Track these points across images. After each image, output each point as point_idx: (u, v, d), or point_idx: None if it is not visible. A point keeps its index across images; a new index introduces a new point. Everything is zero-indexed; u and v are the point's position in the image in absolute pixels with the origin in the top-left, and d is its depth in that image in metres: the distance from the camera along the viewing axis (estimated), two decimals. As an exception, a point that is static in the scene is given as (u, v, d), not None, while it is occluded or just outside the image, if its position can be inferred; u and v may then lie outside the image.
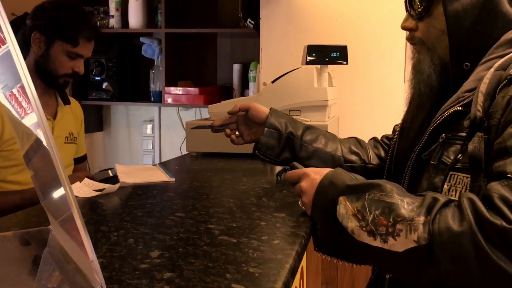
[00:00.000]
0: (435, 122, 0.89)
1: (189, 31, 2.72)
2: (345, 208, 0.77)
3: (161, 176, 1.26)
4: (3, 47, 0.68)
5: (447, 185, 0.84)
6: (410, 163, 0.93)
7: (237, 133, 1.27)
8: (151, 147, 2.98)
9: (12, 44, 0.54)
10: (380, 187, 0.76)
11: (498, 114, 0.77)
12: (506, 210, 0.64)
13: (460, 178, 0.82)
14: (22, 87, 0.69)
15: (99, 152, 3.07)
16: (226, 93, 2.77)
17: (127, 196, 1.06)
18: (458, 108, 0.85)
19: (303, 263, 0.99)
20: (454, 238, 0.66)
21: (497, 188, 0.67)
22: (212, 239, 0.76)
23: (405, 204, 0.72)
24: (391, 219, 0.71)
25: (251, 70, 2.64)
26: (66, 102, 1.75)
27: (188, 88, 2.65)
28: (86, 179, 1.20)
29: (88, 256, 0.55)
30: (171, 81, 2.71)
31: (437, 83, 0.95)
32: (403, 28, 1.00)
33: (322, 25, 2.08)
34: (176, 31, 2.68)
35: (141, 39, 2.74)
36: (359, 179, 0.82)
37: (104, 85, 2.77)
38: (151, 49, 2.71)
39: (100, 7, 2.82)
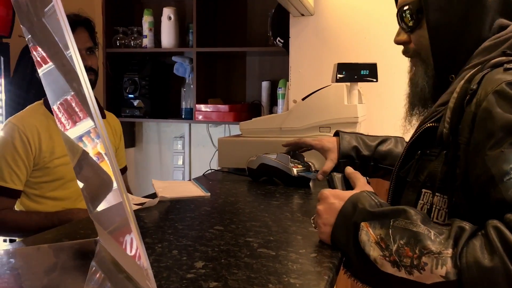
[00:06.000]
0: (411, 139, 0.89)
1: (220, 50, 2.79)
2: (367, 235, 0.74)
3: (196, 191, 1.30)
4: (45, 65, 0.73)
5: (420, 203, 0.83)
6: (392, 180, 0.93)
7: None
8: (181, 163, 3.05)
9: (74, 52, 0.56)
10: (406, 213, 0.72)
11: (466, 131, 0.76)
12: None
13: (436, 197, 0.81)
14: (62, 104, 0.73)
15: (130, 167, 3.15)
16: (255, 110, 2.83)
17: (167, 210, 1.10)
18: (430, 124, 0.84)
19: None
20: (485, 274, 0.62)
21: None
22: (252, 252, 0.79)
23: (432, 235, 0.68)
24: (416, 251, 0.67)
25: (279, 88, 2.69)
26: (102, 116, 1.81)
27: (218, 106, 2.71)
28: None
29: (142, 264, 0.59)
30: (201, 99, 2.78)
31: (430, 96, 0.94)
32: (396, 42, 1.00)
33: (351, 43, 2.12)
34: (207, 50, 2.76)
35: (173, 58, 2.82)
36: (383, 205, 0.78)
37: (137, 102, 2.86)
38: (182, 67, 2.79)
39: (134, 27, 2.93)
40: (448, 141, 0.79)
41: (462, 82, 0.80)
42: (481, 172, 0.72)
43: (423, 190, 0.84)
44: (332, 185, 0.92)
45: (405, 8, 0.95)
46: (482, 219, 0.69)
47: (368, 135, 1.37)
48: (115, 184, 0.59)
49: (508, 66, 0.75)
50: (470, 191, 0.76)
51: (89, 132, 0.64)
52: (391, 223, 0.72)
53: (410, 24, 0.95)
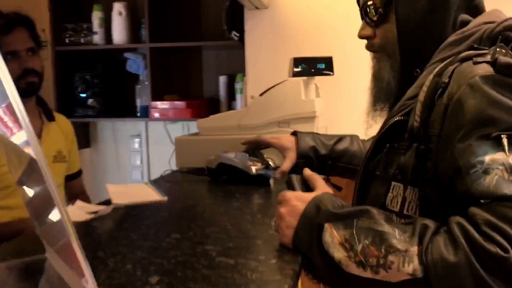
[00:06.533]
0: (379, 133, 0.90)
1: (174, 45, 2.73)
2: (331, 236, 0.73)
3: (153, 195, 1.26)
4: None
5: (390, 196, 0.84)
6: (359, 173, 0.94)
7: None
8: (139, 162, 2.97)
9: None
10: (369, 213, 0.73)
11: (437, 124, 0.77)
12: (497, 236, 0.62)
13: (408, 190, 0.81)
14: (8, 107, 0.68)
15: (87, 168, 3.04)
16: (213, 105, 2.78)
17: (121, 218, 1.06)
18: (399, 118, 0.85)
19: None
20: (450, 270, 0.63)
21: (478, 213, 0.65)
22: (210, 262, 0.76)
23: (397, 234, 0.68)
24: (382, 250, 0.68)
25: (237, 82, 2.65)
26: (51, 118, 1.72)
27: (175, 102, 2.65)
28: (78, 201, 1.20)
29: (88, 284, 0.55)
30: (157, 95, 2.71)
31: (396, 91, 0.93)
32: (361, 36, 0.99)
33: (307, 36, 2.11)
34: (161, 45, 2.69)
35: (126, 55, 2.74)
36: (345, 206, 0.78)
37: (90, 101, 2.76)
38: (136, 64, 2.71)
39: (83, 24, 2.82)
40: (419, 134, 0.79)
41: (431, 76, 0.81)
42: (449, 163, 0.72)
43: (393, 183, 0.84)
44: (291, 187, 0.90)
45: (371, 2, 0.94)
46: (452, 211, 0.70)
47: (324, 134, 1.37)
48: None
49: (477, 60, 0.76)
50: (441, 183, 0.76)
51: (28, 143, 0.59)
52: (354, 223, 0.72)
53: (375, 18, 0.94)
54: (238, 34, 2.35)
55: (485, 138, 0.69)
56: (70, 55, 2.83)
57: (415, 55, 0.90)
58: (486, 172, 0.67)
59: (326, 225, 0.74)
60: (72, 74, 2.77)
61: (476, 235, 0.63)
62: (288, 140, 1.33)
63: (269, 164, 1.43)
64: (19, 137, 0.66)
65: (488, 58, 0.75)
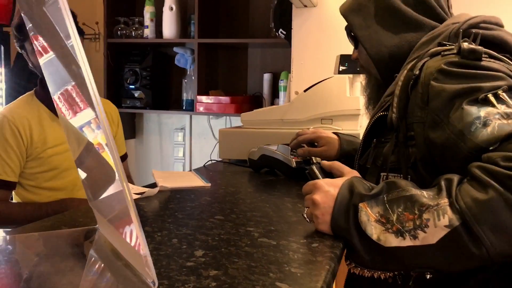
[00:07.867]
0: (366, 130, 0.98)
1: (221, 41, 2.77)
2: (366, 215, 0.74)
3: (197, 181, 1.29)
4: (46, 55, 0.72)
5: None
6: (354, 168, 0.99)
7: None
8: (182, 155, 3.04)
9: (76, 43, 0.55)
10: (396, 185, 0.75)
11: (416, 112, 0.84)
12: None
13: (390, 178, 0.88)
14: (63, 94, 0.72)
15: (131, 159, 3.14)
16: (256, 102, 2.81)
17: (167, 200, 1.09)
18: (381, 113, 0.93)
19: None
20: (485, 207, 0.65)
21: (492, 154, 0.69)
22: (253, 241, 0.78)
23: (425, 194, 0.71)
24: (416, 211, 0.69)
25: (281, 80, 2.67)
26: None
27: (220, 97, 2.70)
28: (126, 182, 1.24)
29: (141, 251, 0.58)
30: (202, 90, 2.76)
31: (377, 100, 1.04)
32: (352, 58, 1.14)
33: (354, 35, 2.10)
34: (209, 41, 2.74)
35: (175, 49, 2.81)
36: (374, 186, 0.79)
37: (138, 93, 2.84)
38: (184, 58, 2.78)
39: (135, 17, 2.91)
40: (398, 124, 0.87)
41: (405, 71, 0.89)
42: (449, 133, 0.77)
43: (382, 174, 0.90)
44: (315, 177, 0.92)
45: (346, 29, 1.12)
46: None
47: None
48: (116, 174, 0.58)
49: (445, 53, 0.85)
50: (426, 166, 0.83)
51: (89, 123, 0.63)
52: (385, 199, 0.75)
53: (352, 43, 1.12)
54: (285, 32, 2.36)
55: (474, 101, 0.75)
56: (121, 47, 2.93)
57: (390, 67, 1.00)
58: (485, 124, 0.72)
59: (361, 205, 0.76)
60: (122, 66, 2.87)
61: (498, 168, 0.67)
62: (330, 137, 1.34)
63: (311, 158, 1.44)
64: (79, 119, 0.70)
65: (454, 51, 0.83)
